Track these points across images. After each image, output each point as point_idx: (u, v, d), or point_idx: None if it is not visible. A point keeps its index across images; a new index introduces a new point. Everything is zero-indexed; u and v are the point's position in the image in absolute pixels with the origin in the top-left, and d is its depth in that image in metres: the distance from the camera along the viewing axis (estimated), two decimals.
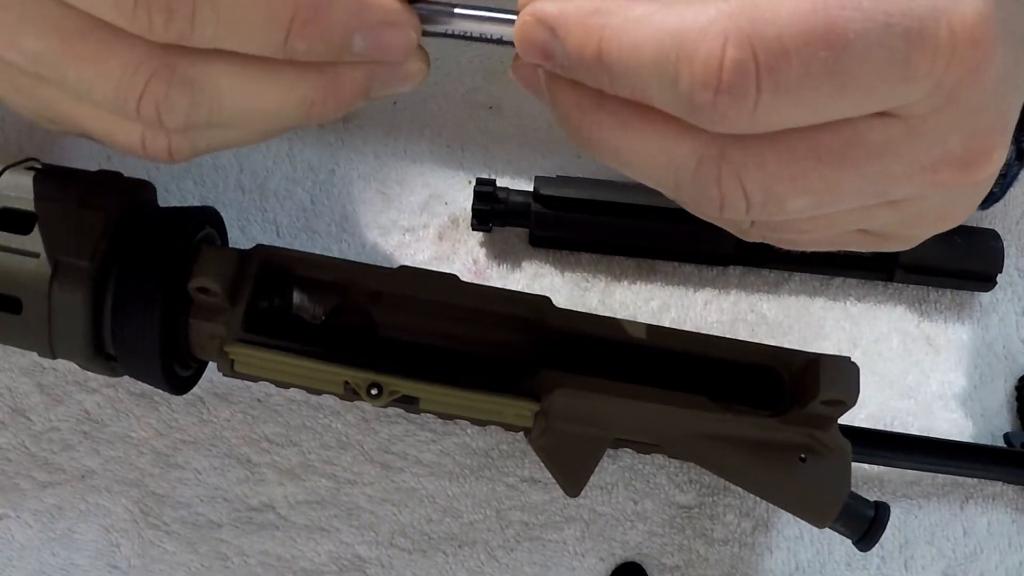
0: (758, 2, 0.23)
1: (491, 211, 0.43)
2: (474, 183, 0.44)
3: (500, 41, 0.28)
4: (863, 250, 0.31)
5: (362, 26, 0.27)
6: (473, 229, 0.45)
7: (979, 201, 0.29)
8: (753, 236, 0.30)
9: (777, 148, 0.25)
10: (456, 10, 0.28)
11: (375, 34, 0.27)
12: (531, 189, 0.44)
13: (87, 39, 0.28)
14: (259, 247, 0.37)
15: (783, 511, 0.39)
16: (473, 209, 0.43)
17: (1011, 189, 0.47)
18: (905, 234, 0.29)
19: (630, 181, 0.44)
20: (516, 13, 0.26)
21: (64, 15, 0.28)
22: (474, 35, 0.28)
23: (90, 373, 0.41)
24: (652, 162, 0.26)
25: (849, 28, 0.23)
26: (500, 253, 0.45)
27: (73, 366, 0.42)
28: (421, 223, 0.45)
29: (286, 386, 0.38)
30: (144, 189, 0.37)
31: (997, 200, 0.33)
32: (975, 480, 0.45)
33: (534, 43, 0.26)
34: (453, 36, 0.29)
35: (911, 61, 0.23)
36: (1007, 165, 0.31)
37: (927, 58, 0.24)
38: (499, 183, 0.44)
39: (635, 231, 0.44)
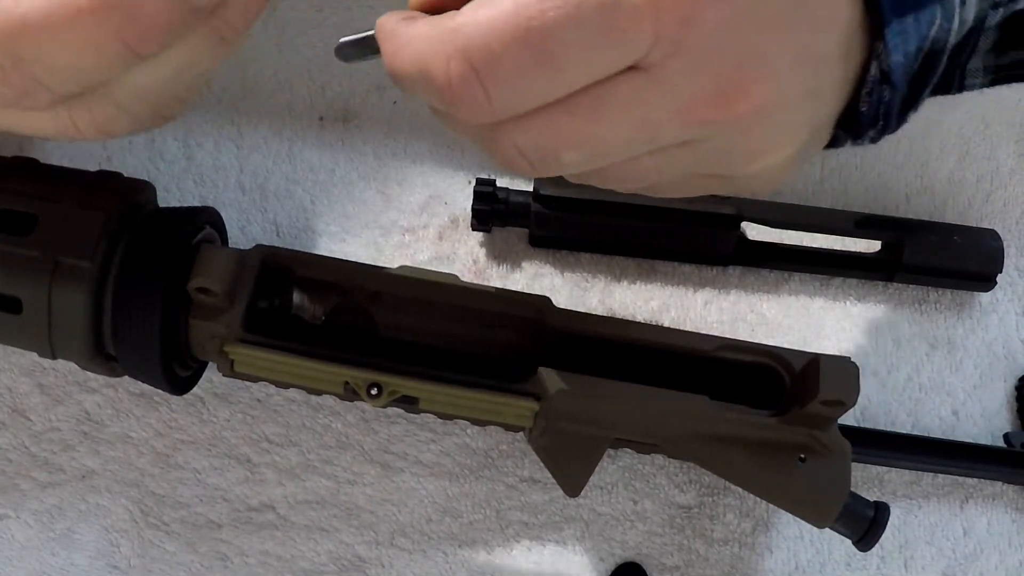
0: (468, 18, 0.27)
1: (491, 211, 0.43)
2: (474, 183, 0.44)
3: None
4: (719, 193, 0.33)
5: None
6: (473, 229, 0.45)
7: (798, 129, 0.30)
8: (583, 181, 0.32)
9: (539, 116, 0.28)
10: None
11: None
12: (531, 189, 0.44)
13: None
14: (259, 247, 0.37)
15: (783, 511, 0.39)
16: (473, 209, 0.43)
17: (1011, 188, 0.47)
18: (737, 173, 0.31)
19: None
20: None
21: None
22: None
23: (90, 373, 0.41)
24: (460, 132, 0.31)
25: (543, 22, 0.26)
26: (500, 253, 0.45)
27: (73, 366, 0.42)
28: (421, 223, 0.45)
29: (286, 386, 0.38)
30: (144, 189, 0.37)
31: (886, 132, 0.33)
32: (975, 480, 0.45)
33: None
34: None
35: (614, 31, 0.26)
36: (876, 87, 0.31)
37: (630, 24, 0.26)
38: (499, 183, 0.44)
39: (635, 231, 0.44)
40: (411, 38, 0.28)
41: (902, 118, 0.32)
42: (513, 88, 0.27)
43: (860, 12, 0.29)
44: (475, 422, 0.38)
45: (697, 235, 0.44)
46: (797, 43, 0.29)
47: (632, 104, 0.28)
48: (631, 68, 0.27)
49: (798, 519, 0.38)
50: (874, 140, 0.33)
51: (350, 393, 0.36)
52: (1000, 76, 0.34)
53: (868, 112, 0.32)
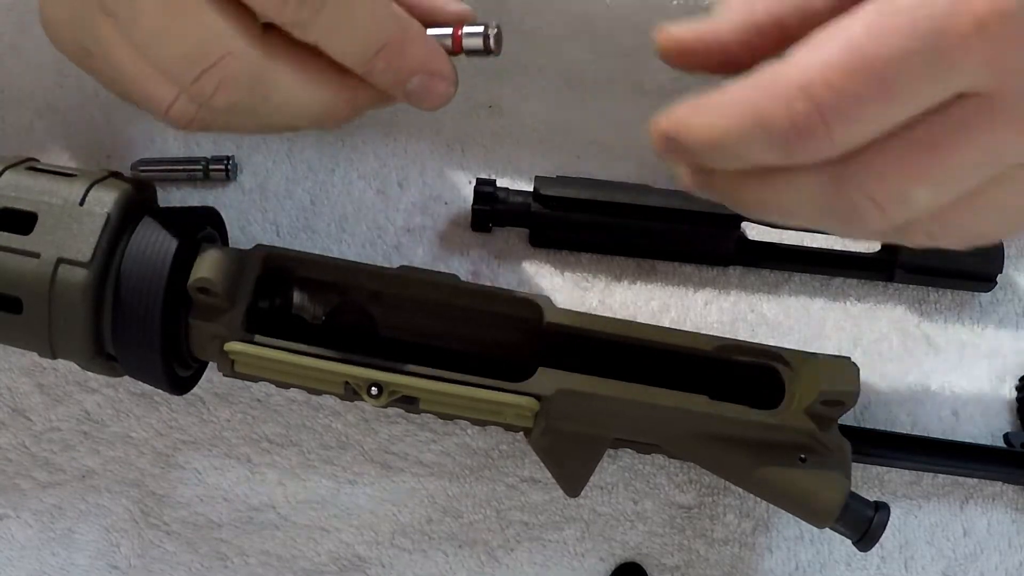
0: (805, 59, 0.28)
1: (491, 211, 0.43)
2: (474, 183, 0.44)
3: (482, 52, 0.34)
4: None
5: (426, 71, 0.33)
6: (473, 230, 0.44)
7: None
8: (915, 240, 0.33)
9: (880, 154, 0.29)
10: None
11: (431, 80, 0.34)
12: (531, 189, 0.44)
13: None
14: (259, 247, 0.37)
15: (783, 511, 0.39)
16: (473, 209, 0.43)
17: None
18: None
19: (629, 181, 0.44)
20: (482, 23, 0.34)
21: None
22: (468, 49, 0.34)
23: (90, 373, 0.41)
24: (791, 206, 0.31)
25: (877, 54, 0.28)
26: (500, 253, 0.45)
27: (73, 366, 0.42)
28: (421, 223, 0.45)
29: (286, 386, 0.38)
30: (144, 189, 0.37)
31: None
32: (975, 480, 0.45)
33: (668, 153, 0.32)
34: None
35: (945, 60, 0.27)
36: None
37: (960, 53, 0.28)
38: (499, 183, 0.44)
39: (635, 231, 0.44)
40: (733, 93, 0.29)
41: None
42: (854, 121, 0.28)
43: None
44: (475, 422, 0.38)
45: (697, 235, 0.44)
46: None
47: (973, 127, 0.29)
48: (966, 95, 0.28)
49: (798, 519, 0.38)
50: None
51: (350, 393, 0.36)
52: None
53: None
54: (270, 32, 0.32)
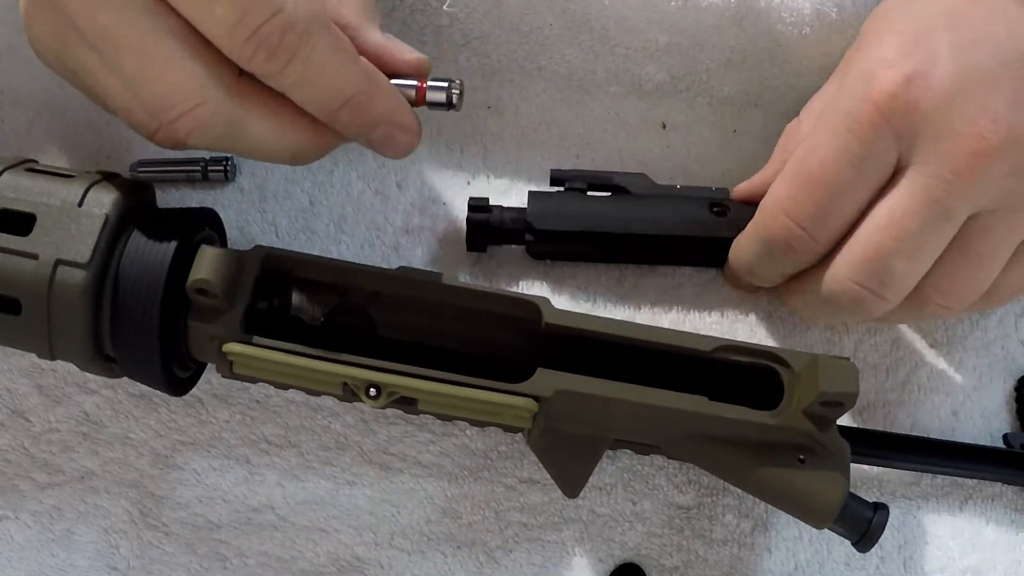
0: (774, 187, 0.38)
1: (486, 236, 0.43)
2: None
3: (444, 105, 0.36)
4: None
5: (390, 124, 0.35)
6: (468, 250, 0.44)
7: None
8: (935, 314, 0.38)
9: (854, 242, 0.36)
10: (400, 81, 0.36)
11: (394, 132, 0.36)
12: (530, 191, 0.43)
13: (161, 43, 0.32)
14: (258, 248, 0.37)
15: (782, 512, 0.39)
16: (467, 234, 0.43)
17: None
18: None
19: (629, 181, 0.44)
20: (446, 80, 0.36)
21: (157, 11, 0.31)
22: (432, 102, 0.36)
23: (89, 374, 0.41)
24: (814, 303, 0.39)
25: (814, 162, 0.36)
26: (499, 254, 0.45)
27: (72, 367, 0.42)
28: (419, 224, 0.45)
29: (285, 387, 0.38)
30: (143, 190, 0.37)
31: None
32: (974, 481, 0.45)
33: (741, 285, 0.44)
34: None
35: (864, 145, 0.35)
36: None
37: (873, 134, 0.34)
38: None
39: (632, 250, 0.43)
40: (748, 227, 0.40)
41: None
42: (821, 217, 0.36)
43: None
44: (474, 423, 0.38)
45: (694, 246, 0.43)
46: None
47: (913, 190, 0.35)
48: (899, 168, 0.35)
49: (797, 520, 0.38)
50: None
51: (349, 394, 0.36)
52: None
53: None
54: (244, 77, 0.33)
